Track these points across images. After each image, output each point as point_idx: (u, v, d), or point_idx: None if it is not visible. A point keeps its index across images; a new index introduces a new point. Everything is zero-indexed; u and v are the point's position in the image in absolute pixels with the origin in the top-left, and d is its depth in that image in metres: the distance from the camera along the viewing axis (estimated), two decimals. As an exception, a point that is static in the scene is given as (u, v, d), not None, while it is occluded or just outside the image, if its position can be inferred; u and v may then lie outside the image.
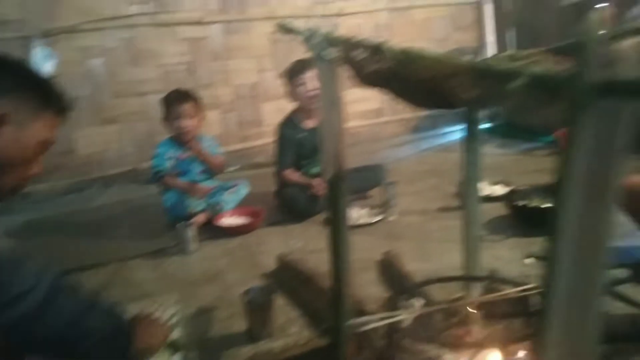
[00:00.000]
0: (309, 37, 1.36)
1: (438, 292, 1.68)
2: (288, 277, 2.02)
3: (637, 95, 0.46)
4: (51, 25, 3.57)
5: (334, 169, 1.40)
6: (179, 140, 2.82)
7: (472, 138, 1.55)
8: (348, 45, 1.19)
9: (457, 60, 0.74)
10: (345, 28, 4.37)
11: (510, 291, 1.28)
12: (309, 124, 2.90)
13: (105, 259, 2.41)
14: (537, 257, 1.93)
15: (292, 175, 2.87)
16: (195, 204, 2.74)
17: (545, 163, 3.26)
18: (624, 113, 0.52)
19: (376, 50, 1.02)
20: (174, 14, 3.89)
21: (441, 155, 3.99)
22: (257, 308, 1.66)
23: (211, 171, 2.92)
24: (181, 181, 2.81)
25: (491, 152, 3.73)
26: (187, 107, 2.78)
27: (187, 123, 2.78)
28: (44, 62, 3.56)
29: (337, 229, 1.45)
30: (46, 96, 1.30)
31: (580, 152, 0.52)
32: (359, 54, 1.13)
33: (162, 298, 1.99)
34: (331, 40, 1.27)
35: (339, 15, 4.32)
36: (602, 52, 0.49)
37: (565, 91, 0.51)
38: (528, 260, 1.95)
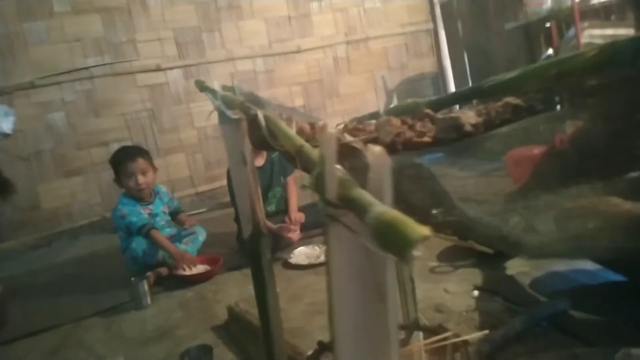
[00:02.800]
0: (214, 97, 1.38)
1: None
2: (237, 330, 2.00)
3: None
4: (7, 82, 3.60)
5: (252, 226, 1.40)
6: (136, 196, 2.80)
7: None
8: (243, 108, 1.20)
9: (295, 141, 0.75)
10: (304, 64, 4.45)
11: (428, 341, 1.27)
12: (259, 162, 2.91)
13: (61, 320, 2.38)
14: (482, 290, 1.92)
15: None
16: (166, 254, 2.71)
17: (503, 185, 3.27)
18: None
19: (254, 119, 1.03)
20: (132, 63, 3.92)
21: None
22: (197, 369, 1.64)
23: (174, 224, 2.94)
24: (170, 243, 2.71)
25: (452, 175, 3.74)
26: (139, 162, 2.76)
27: (143, 180, 2.76)
28: (2, 119, 3.57)
29: (262, 289, 1.44)
30: None
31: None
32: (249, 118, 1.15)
33: (109, 361, 1.97)
34: (230, 102, 1.28)
35: (297, 52, 4.38)
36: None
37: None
38: (475, 293, 1.94)
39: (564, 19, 3.43)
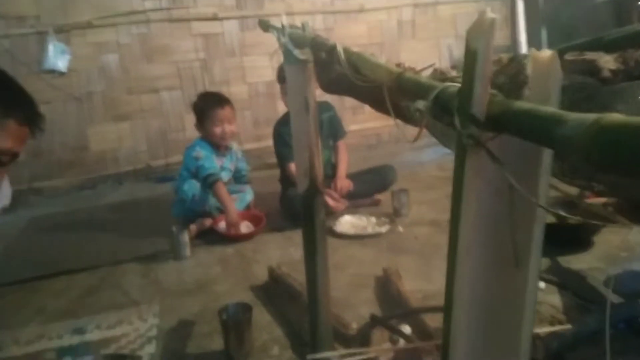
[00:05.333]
0: (280, 37, 1.22)
1: (432, 319, 1.53)
2: (276, 292, 1.90)
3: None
4: (66, 21, 3.56)
5: (309, 181, 1.26)
6: (214, 144, 2.71)
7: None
8: (315, 47, 1.05)
9: (391, 69, 0.59)
10: (366, 24, 4.22)
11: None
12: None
13: (99, 262, 2.36)
14: (550, 282, 1.73)
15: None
16: (215, 205, 2.63)
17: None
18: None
19: (331, 53, 0.87)
20: (189, 10, 3.81)
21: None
22: (234, 327, 1.54)
23: (238, 181, 2.86)
24: (231, 202, 2.61)
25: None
26: (228, 111, 2.68)
27: (229, 128, 2.68)
28: (58, 57, 3.55)
29: (313, 250, 1.31)
30: (9, 103, 1.20)
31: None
32: (322, 58, 0.99)
33: (145, 308, 1.92)
34: (299, 41, 1.13)
35: (360, 11, 4.16)
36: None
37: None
38: (542, 285, 1.76)
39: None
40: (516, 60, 0.42)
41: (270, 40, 4.29)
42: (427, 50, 4.34)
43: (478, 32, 0.37)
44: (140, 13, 3.71)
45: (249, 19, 3.95)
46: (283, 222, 2.68)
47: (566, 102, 0.41)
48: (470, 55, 0.37)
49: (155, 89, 3.81)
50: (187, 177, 2.64)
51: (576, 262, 1.89)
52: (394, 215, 2.61)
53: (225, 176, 2.75)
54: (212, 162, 2.64)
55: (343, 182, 2.75)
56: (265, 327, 1.70)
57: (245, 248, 2.42)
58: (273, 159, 4.14)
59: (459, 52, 4.39)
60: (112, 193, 3.64)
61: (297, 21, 3.84)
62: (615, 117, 0.25)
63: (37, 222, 3.09)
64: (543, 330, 1.30)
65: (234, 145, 2.88)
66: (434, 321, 1.51)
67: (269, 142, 4.20)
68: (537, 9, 4.24)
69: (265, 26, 1.37)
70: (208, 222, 2.60)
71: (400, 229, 2.49)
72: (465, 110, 0.36)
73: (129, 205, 3.28)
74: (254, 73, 4.04)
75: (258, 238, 2.54)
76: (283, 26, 1.18)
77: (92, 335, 1.76)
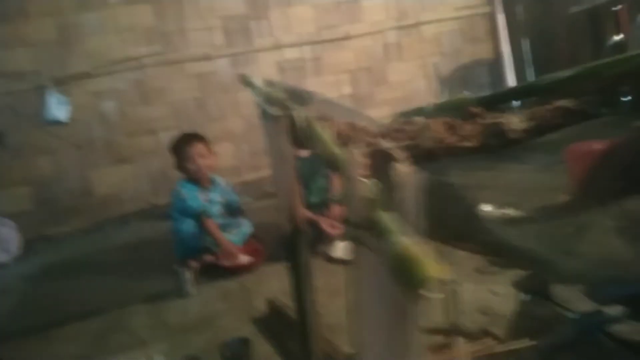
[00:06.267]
0: (256, 93, 1.34)
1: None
2: (276, 323, 1.98)
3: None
4: (64, 73, 3.72)
5: (291, 223, 1.36)
6: (196, 181, 2.83)
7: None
8: (282, 106, 1.15)
9: (330, 148, 0.69)
10: (353, 51, 4.35)
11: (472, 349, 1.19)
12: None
13: (109, 305, 2.45)
14: (531, 292, 1.81)
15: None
16: (212, 241, 2.73)
17: (558, 183, 3.09)
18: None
19: (292, 118, 0.98)
20: (181, 52, 3.96)
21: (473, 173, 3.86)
22: (235, 362, 1.64)
23: (227, 214, 2.96)
24: (221, 235, 2.75)
25: (510, 168, 3.57)
26: (200, 147, 2.81)
27: (202, 162, 2.80)
28: (58, 108, 3.70)
29: (300, 287, 1.40)
30: None
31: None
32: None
33: (152, 348, 2.01)
34: (271, 98, 1.24)
35: (345, 38, 4.30)
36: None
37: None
38: (523, 296, 1.83)
39: (634, 3, 3.18)
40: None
41: (262, 73, 4.43)
42: (414, 70, 4.46)
43: (347, 163, 0.46)
44: (135, 60, 3.86)
45: (240, 55, 4.10)
46: (284, 252, 2.76)
47: (435, 195, 0.51)
48: (344, 180, 0.47)
49: (153, 130, 3.95)
50: (178, 218, 2.76)
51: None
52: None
53: (216, 209, 2.85)
54: (197, 200, 2.77)
55: (337, 208, 2.85)
56: (266, 358, 1.79)
57: (248, 281, 2.52)
58: (272, 188, 4.24)
59: (445, 69, 4.51)
60: (119, 234, 3.75)
61: (287, 54, 3.98)
62: (408, 248, 0.34)
63: (47, 270, 3.20)
64: (521, 344, 1.37)
65: (218, 179, 2.98)
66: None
67: (268, 172, 4.31)
68: (517, 21, 4.36)
69: (245, 82, 1.49)
70: (209, 257, 2.70)
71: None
72: (347, 217, 0.46)
73: (134, 246, 3.38)
74: (248, 106, 4.16)
75: (260, 269, 2.63)
76: (256, 86, 1.29)
77: (104, 378, 1.85)
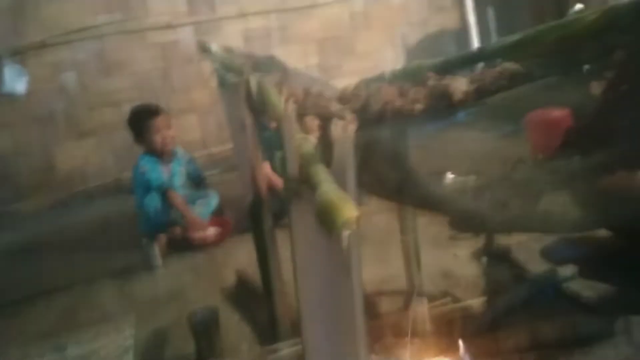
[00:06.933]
0: (214, 61, 1.32)
1: (383, 302, 1.67)
2: (244, 294, 2.00)
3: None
4: (19, 42, 3.56)
5: (253, 193, 1.37)
6: (157, 154, 2.79)
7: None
8: (239, 72, 1.14)
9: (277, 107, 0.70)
10: (320, 19, 4.30)
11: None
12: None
13: (74, 280, 2.43)
14: (490, 255, 1.88)
15: (268, 169, 2.73)
16: (179, 215, 2.71)
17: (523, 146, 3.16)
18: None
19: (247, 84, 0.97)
20: (142, 20, 3.84)
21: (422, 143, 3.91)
22: (203, 331, 1.65)
23: (192, 186, 2.93)
24: (186, 206, 2.72)
25: (470, 137, 3.63)
26: (161, 119, 2.76)
27: (169, 134, 2.76)
28: (15, 80, 3.56)
29: (264, 257, 1.42)
30: None
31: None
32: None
33: (121, 321, 2.01)
34: (228, 65, 1.22)
35: (312, 6, 4.23)
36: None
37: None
38: (484, 259, 1.90)
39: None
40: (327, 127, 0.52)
41: (229, 41, 4.32)
42: (381, 39, 4.44)
43: (283, 117, 0.47)
44: (94, 28, 3.73)
45: (203, 24, 4.00)
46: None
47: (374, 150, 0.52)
48: (281, 134, 0.47)
49: (116, 102, 3.84)
50: (141, 194, 2.72)
51: (517, 235, 2.04)
52: (356, 206, 2.72)
53: (179, 181, 2.82)
54: (159, 173, 2.74)
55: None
56: (233, 327, 1.81)
57: (216, 253, 2.52)
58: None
59: (412, 38, 4.51)
60: (84, 210, 3.68)
61: (252, 22, 3.88)
62: (330, 194, 0.36)
63: (10, 248, 3.13)
64: (474, 301, 1.43)
65: (178, 150, 2.95)
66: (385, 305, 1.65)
67: (235, 144, 4.24)
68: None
69: (202, 48, 1.46)
70: (177, 230, 2.68)
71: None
72: (284, 171, 0.47)
73: (100, 221, 3.33)
74: (214, 77, 4.09)
75: (228, 241, 2.63)
76: (212, 52, 1.27)
77: (72, 351, 1.85)
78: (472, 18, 4.48)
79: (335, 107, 0.64)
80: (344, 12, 4.36)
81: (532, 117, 2.58)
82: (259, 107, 0.87)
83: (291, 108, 0.47)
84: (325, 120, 0.62)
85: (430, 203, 1.09)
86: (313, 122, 0.66)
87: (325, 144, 0.47)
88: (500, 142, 3.56)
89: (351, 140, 0.43)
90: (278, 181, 2.67)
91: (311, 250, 0.50)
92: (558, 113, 2.27)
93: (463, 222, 1.89)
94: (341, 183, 0.45)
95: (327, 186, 0.38)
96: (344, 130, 0.44)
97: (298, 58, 4.17)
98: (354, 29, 4.40)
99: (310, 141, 0.49)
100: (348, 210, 0.35)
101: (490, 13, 4.33)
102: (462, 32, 4.59)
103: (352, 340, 0.51)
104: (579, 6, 3.35)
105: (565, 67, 0.85)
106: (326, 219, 0.37)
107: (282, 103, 0.73)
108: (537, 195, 0.98)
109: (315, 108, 0.75)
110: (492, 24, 4.31)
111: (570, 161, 1.04)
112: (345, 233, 0.34)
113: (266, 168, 2.73)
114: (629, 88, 0.89)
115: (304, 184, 0.46)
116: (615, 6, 0.71)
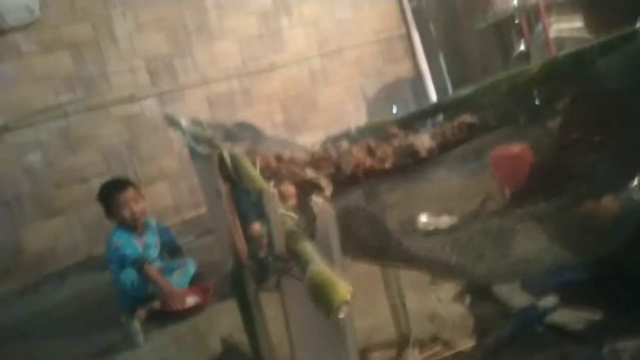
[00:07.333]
0: (182, 134, 1.35)
1: (373, 355, 1.66)
2: (232, 361, 1.96)
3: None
4: (-20, 128, 3.54)
5: (233, 259, 1.37)
6: (130, 226, 2.76)
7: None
8: (211, 144, 1.18)
9: (257, 183, 0.73)
10: (281, 80, 4.44)
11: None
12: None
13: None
14: (472, 295, 1.90)
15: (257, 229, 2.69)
16: (157, 288, 2.65)
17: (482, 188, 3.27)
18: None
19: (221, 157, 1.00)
20: (105, 96, 3.88)
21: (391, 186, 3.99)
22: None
23: (168, 255, 2.90)
24: (162, 279, 2.68)
25: (437, 177, 3.73)
26: (130, 191, 2.76)
27: (136, 207, 2.75)
28: (-22, 166, 3.50)
29: (250, 322, 1.41)
30: None
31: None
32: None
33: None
34: (198, 137, 1.26)
35: (271, 69, 4.37)
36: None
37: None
38: (467, 300, 1.92)
39: (532, 14, 3.46)
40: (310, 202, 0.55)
41: (194, 107, 4.40)
42: (341, 93, 4.60)
43: (266, 198, 0.50)
44: (56, 108, 3.74)
45: (166, 94, 4.06)
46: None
47: (353, 218, 0.55)
48: (266, 214, 0.51)
49: (84, 178, 3.81)
50: (117, 270, 2.68)
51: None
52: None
53: (154, 253, 2.80)
54: (133, 247, 2.72)
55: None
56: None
57: (199, 322, 2.47)
58: (214, 224, 4.17)
59: (370, 90, 4.69)
60: (57, 292, 3.55)
61: (214, 88, 3.97)
62: (323, 275, 0.38)
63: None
64: (465, 345, 1.45)
65: (151, 220, 2.94)
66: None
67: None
68: (431, 39, 4.62)
69: (170, 122, 1.50)
70: (156, 304, 2.63)
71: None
72: (271, 250, 0.49)
73: (75, 301, 3.23)
74: (181, 143, 4.12)
75: (210, 308, 2.58)
76: (182, 126, 1.30)
77: None
78: (424, 66, 4.70)
79: (309, 173, 0.68)
80: (302, 70, 4.52)
81: (494, 153, 2.69)
82: (234, 177, 0.90)
83: (271, 186, 0.50)
84: (301, 187, 0.65)
85: (411, 262, 1.13)
86: (289, 189, 0.69)
87: (306, 214, 0.50)
88: (469, 179, 3.68)
89: (332, 212, 0.46)
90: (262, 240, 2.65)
91: (305, 322, 0.52)
92: (518, 148, 2.38)
93: (444, 276, 1.92)
94: (326, 254, 0.47)
95: (317, 266, 0.40)
96: (324, 204, 0.47)
97: (263, 117, 4.27)
98: (314, 85, 4.55)
99: (292, 217, 0.51)
100: (341, 291, 0.37)
101: (441, 61, 4.56)
102: (417, 79, 4.80)
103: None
104: (521, 48, 3.58)
105: (516, 117, 0.92)
106: (320, 301, 0.39)
107: (258, 175, 0.77)
108: (509, 239, 1.03)
109: (290, 175, 0.79)
110: (444, 70, 4.54)
111: (536, 200, 1.10)
112: (342, 314, 0.36)
113: (256, 228, 2.72)
114: (578, 133, 0.96)
115: (291, 260, 0.48)
116: (555, 57, 0.79)
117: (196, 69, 4.16)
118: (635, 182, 1.93)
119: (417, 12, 4.74)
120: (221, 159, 1.22)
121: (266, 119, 4.30)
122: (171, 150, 4.10)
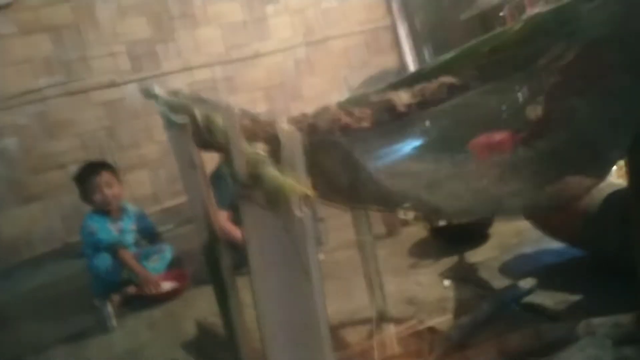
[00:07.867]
0: (160, 104, 1.31)
1: (350, 333, 1.65)
2: (207, 344, 1.92)
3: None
4: (-45, 111, 3.44)
5: (207, 233, 1.34)
6: (105, 212, 2.71)
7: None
8: (186, 110, 1.14)
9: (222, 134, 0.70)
10: (265, 68, 4.39)
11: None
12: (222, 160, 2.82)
13: (25, 352, 2.27)
14: (452, 279, 1.90)
15: (226, 222, 2.65)
16: (131, 272, 2.61)
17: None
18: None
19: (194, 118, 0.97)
20: (86, 81, 3.80)
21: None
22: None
23: (147, 242, 2.85)
24: (138, 264, 2.64)
25: (421, 169, 3.73)
26: (106, 175, 2.69)
27: (109, 192, 2.69)
28: (-49, 149, 3.41)
29: (224, 300, 1.37)
30: None
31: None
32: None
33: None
34: (174, 106, 1.22)
35: (255, 57, 4.33)
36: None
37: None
38: (446, 283, 1.92)
39: (517, 6, 3.47)
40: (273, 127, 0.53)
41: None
42: (325, 83, 4.57)
43: (228, 119, 0.47)
44: (35, 92, 3.65)
45: (148, 80, 3.98)
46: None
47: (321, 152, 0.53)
48: (227, 136, 0.48)
49: (62, 164, 3.73)
50: (92, 255, 2.63)
51: (477, 255, 2.08)
52: (315, 245, 2.72)
53: (130, 238, 2.75)
54: (108, 232, 2.67)
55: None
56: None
57: (174, 307, 2.43)
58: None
59: (355, 81, 4.66)
60: (30, 278, 3.47)
61: (197, 75, 3.91)
62: (283, 178, 0.36)
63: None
64: (439, 320, 1.44)
65: (129, 206, 2.89)
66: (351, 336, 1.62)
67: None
68: (417, 31, 4.61)
69: (147, 94, 1.45)
70: (131, 289, 2.58)
71: (322, 256, 2.59)
72: (232, 175, 0.47)
73: (49, 287, 3.16)
74: (162, 131, 4.05)
75: (186, 294, 2.54)
76: (157, 95, 1.27)
77: None
78: (410, 57, 4.69)
79: (284, 126, 0.65)
80: (287, 59, 4.48)
81: (476, 142, 2.69)
82: (207, 140, 0.86)
83: (233, 112, 0.47)
84: (276, 146, 0.62)
85: (383, 199, 1.10)
86: (264, 149, 0.66)
87: (274, 149, 0.48)
88: (454, 170, 3.69)
89: (299, 141, 0.44)
90: (236, 232, 2.62)
91: (269, 253, 0.49)
92: (499, 136, 2.39)
93: (417, 213, 1.91)
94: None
95: (278, 174, 0.38)
96: (291, 128, 0.44)
97: (246, 106, 4.19)
98: (298, 75, 4.51)
99: (257, 146, 0.49)
100: (300, 189, 0.34)
101: (427, 53, 4.56)
102: (403, 71, 4.78)
103: (319, 350, 0.50)
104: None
105: (497, 77, 0.90)
106: (278, 198, 0.36)
107: (229, 126, 0.74)
108: (483, 180, 1.02)
109: (263, 132, 0.76)
110: (430, 60, 4.53)
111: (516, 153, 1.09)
112: (300, 213, 0.34)
113: (223, 218, 2.70)
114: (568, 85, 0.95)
115: (253, 186, 0.45)
116: (538, 13, 0.77)
117: (179, 55, 4.10)
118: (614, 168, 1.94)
119: (403, 3, 4.72)
120: (195, 123, 1.19)
121: (250, 107, 4.23)
122: (152, 137, 4.04)
